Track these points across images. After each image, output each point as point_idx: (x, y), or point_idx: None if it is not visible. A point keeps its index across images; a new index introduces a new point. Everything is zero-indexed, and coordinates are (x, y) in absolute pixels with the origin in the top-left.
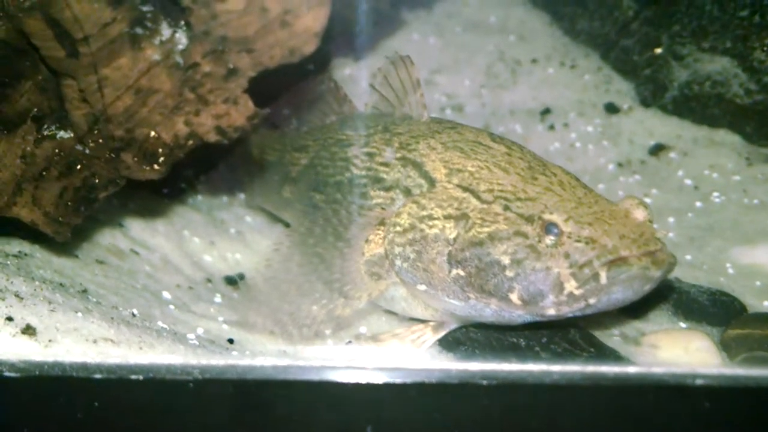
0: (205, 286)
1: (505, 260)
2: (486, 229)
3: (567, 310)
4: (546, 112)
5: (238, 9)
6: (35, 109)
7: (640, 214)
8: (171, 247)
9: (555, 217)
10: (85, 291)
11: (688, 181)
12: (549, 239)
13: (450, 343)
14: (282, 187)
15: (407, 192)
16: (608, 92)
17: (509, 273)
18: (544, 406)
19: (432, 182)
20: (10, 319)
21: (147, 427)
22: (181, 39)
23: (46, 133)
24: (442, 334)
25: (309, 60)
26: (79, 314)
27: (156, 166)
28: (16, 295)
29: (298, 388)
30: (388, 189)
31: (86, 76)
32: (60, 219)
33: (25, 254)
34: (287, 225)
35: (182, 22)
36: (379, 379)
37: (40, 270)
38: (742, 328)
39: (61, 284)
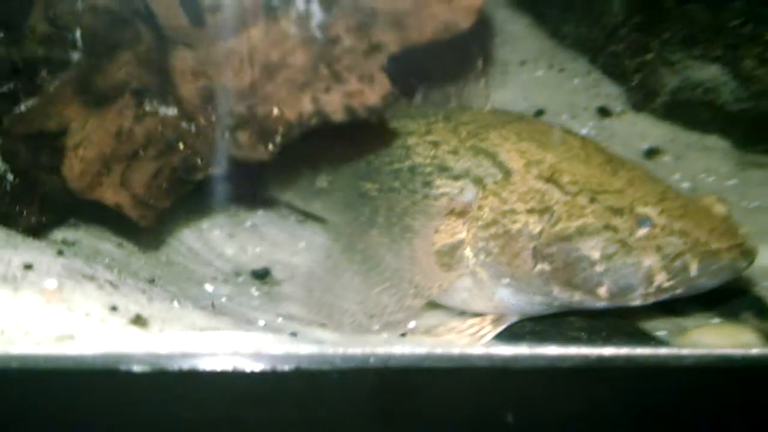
0: (236, 279)
1: (595, 255)
2: (573, 224)
3: (652, 300)
4: (539, 113)
5: None
6: (135, 83)
7: (720, 210)
8: (193, 239)
9: (649, 210)
10: (152, 280)
11: (686, 185)
12: (641, 232)
13: (508, 337)
14: (316, 176)
15: (478, 181)
16: (598, 96)
17: (599, 268)
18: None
19: (508, 172)
20: (114, 308)
21: (300, 420)
22: (316, 11)
23: (147, 108)
24: (502, 327)
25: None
26: (175, 303)
27: (270, 146)
28: (111, 284)
29: (440, 374)
30: (456, 178)
31: (210, 46)
32: (150, 202)
33: (72, 243)
34: (304, 216)
35: None
36: (517, 364)
37: (99, 258)
38: None
39: (133, 272)
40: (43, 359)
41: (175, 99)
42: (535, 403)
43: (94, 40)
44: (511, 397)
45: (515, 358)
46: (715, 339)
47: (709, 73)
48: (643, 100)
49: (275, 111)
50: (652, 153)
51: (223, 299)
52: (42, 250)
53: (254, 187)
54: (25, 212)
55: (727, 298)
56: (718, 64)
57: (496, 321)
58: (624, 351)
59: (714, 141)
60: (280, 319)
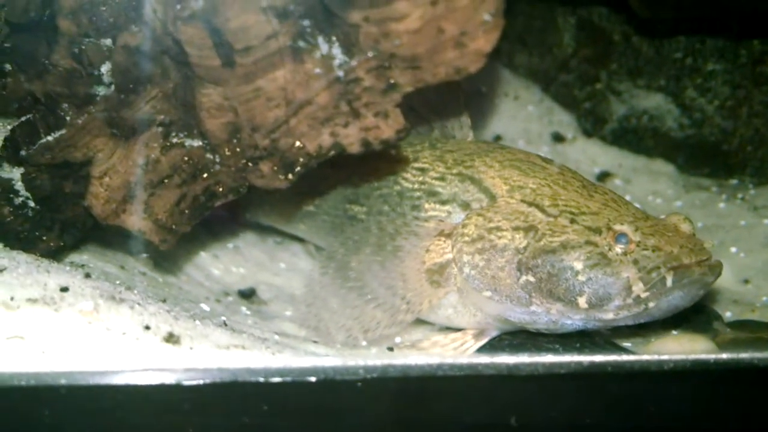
0: (226, 299)
1: (578, 265)
2: (558, 239)
3: (625, 314)
4: (497, 138)
5: (413, 28)
6: (161, 117)
7: (686, 228)
8: (183, 260)
9: (625, 228)
10: (164, 300)
11: (636, 206)
12: (619, 248)
13: (489, 351)
14: (302, 200)
15: (466, 206)
16: (551, 123)
17: (581, 277)
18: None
19: (493, 197)
20: (147, 327)
21: (324, 427)
22: (338, 54)
23: (174, 140)
24: (484, 341)
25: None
26: (197, 322)
27: (290, 176)
28: (139, 304)
29: (453, 382)
30: (444, 202)
31: (238, 86)
32: (172, 227)
33: (81, 265)
34: (282, 237)
35: (333, 38)
36: (519, 371)
37: (113, 281)
38: (734, 333)
39: (146, 294)
40: (90, 376)
41: (200, 132)
42: (535, 407)
43: (123, 76)
44: (514, 401)
45: (517, 366)
46: (676, 348)
47: (653, 101)
48: (592, 126)
49: (297, 144)
50: (603, 176)
51: (222, 318)
52: (71, 273)
53: (232, 210)
54: (45, 237)
55: (684, 315)
56: (662, 94)
57: (477, 335)
58: (612, 357)
59: (659, 165)
60: (276, 337)
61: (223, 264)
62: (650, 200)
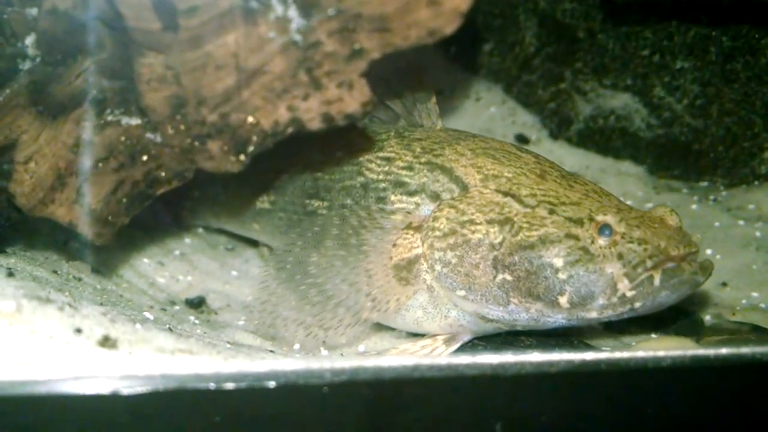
0: (172, 308)
1: (558, 263)
2: (535, 233)
3: (610, 314)
4: None
5: None
6: (95, 91)
7: (673, 220)
8: (124, 267)
9: (609, 219)
10: (101, 304)
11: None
12: (602, 240)
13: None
14: (257, 197)
15: (435, 197)
16: (515, 124)
17: (562, 275)
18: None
19: (465, 187)
20: (79, 330)
21: None
22: (295, 15)
23: (110, 118)
24: (455, 346)
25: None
26: (138, 325)
27: (242, 157)
28: (70, 306)
29: (432, 385)
30: (412, 193)
31: (183, 52)
32: (108, 218)
33: (8, 267)
34: (234, 242)
35: None
36: (505, 371)
37: (42, 284)
38: (721, 335)
39: (80, 297)
40: (11, 386)
41: (139, 108)
42: (523, 411)
43: (50, 45)
44: (499, 405)
45: (502, 365)
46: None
47: (621, 101)
48: (558, 128)
49: (250, 119)
50: None
51: (167, 326)
52: None
53: (177, 212)
54: None
55: (664, 318)
56: (629, 93)
57: (449, 340)
58: (605, 355)
59: (628, 167)
60: (228, 346)
61: (169, 271)
62: None
